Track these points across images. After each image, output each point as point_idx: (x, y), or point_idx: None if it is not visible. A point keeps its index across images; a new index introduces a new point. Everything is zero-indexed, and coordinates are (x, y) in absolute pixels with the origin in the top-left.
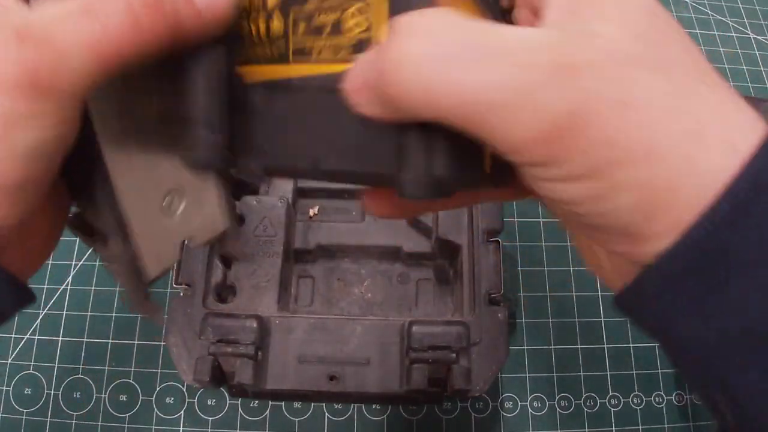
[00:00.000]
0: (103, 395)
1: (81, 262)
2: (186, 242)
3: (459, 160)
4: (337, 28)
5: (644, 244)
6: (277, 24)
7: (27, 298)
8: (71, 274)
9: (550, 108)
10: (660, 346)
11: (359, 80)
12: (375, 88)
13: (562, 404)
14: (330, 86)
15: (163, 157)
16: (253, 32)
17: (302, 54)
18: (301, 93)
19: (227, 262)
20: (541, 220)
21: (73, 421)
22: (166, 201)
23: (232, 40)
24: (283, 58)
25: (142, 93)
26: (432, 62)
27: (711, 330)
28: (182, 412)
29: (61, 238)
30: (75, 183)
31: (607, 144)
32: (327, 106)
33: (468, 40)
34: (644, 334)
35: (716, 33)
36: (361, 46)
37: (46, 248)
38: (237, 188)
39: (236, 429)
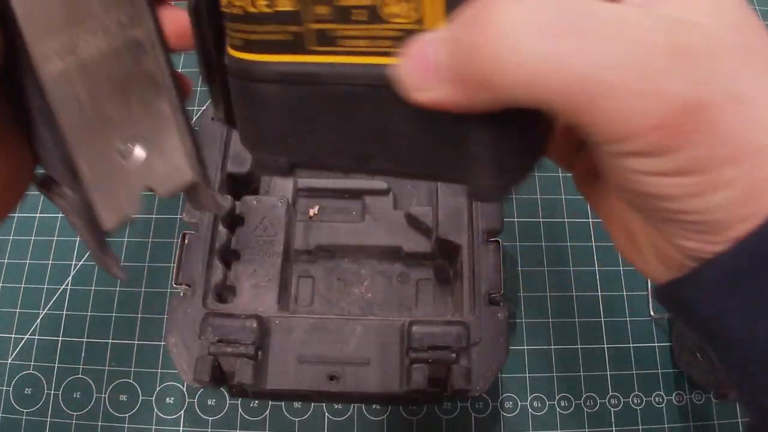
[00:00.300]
0: (103, 395)
1: (81, 262)
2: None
3: (530, 156)
4: (374, 14)
5: (719, 241)
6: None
7: None
8: (71, 274)
9: (672, 93)
10: (707, 342)
11: (427, 60)
12: (458, 66)
13: (562, 404)
14: (373, 81)
15: (117, 100)
16: (247, 7)
17: (325, 41)
18: (332, 86)
19: (227, 262)
20: (541, 220)
21: (73, 421)
22: (123, 147)
23: (213, 15)
24: (298, 44)
25: (84, 29)
26: (537, 34)
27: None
28: (182, 412)
29: (61, 238)
30: (25, 125)
31: (722, 139)
32: (370, 101)
33: (573, 10)
34: (691, 329)
35: None
36: (407, 39)
37: (5, 197)
38: (236, 187)
39: (236, 429)
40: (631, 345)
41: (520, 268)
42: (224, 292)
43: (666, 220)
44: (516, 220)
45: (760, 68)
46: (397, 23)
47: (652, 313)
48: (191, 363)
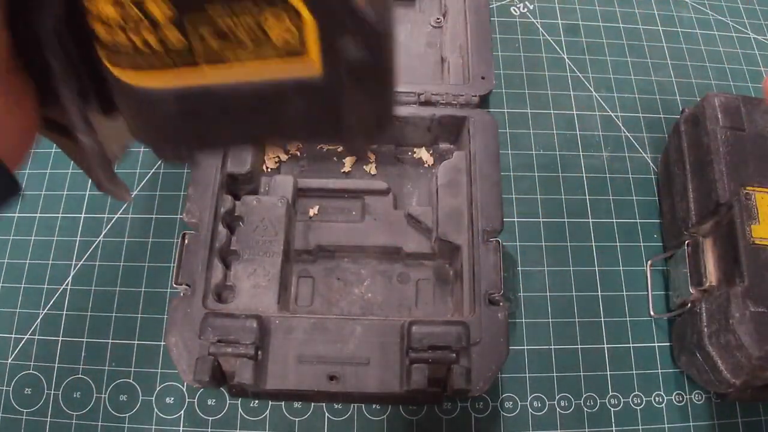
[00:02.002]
0: (103, 395)
1: (81, 262)
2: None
3: (387, 119)
4: (255, 33)
5: None
6: (173, 36)
7: (13, 186)
8: (71, 274)
9: None
10: None
11: None
12: None
13: (562, 404)
14: (262, 83)
15: None
16: (139, 45)
17: (217, 60)
18: (228, 92)
19: (227, 262)
20: (541, 220)
21: (73, 421)
22: None
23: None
24: (192, 65)
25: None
26: None
27: None
28: (182, 412)
29: (61, 238)
30: (42, 81)
31: None
32: (263, 95)
33: None
34: None
35: (716, 33)
36: (289, 51)
37: (22, 143)
38: (236, 187)
39: (236, 429)
40: (631, 345)
41: (520, 268)
42: (224, 292)
43: None
44: (516, 220)
45: None
46: (277, 42)
47: (652, 313)
48: (191, 363)
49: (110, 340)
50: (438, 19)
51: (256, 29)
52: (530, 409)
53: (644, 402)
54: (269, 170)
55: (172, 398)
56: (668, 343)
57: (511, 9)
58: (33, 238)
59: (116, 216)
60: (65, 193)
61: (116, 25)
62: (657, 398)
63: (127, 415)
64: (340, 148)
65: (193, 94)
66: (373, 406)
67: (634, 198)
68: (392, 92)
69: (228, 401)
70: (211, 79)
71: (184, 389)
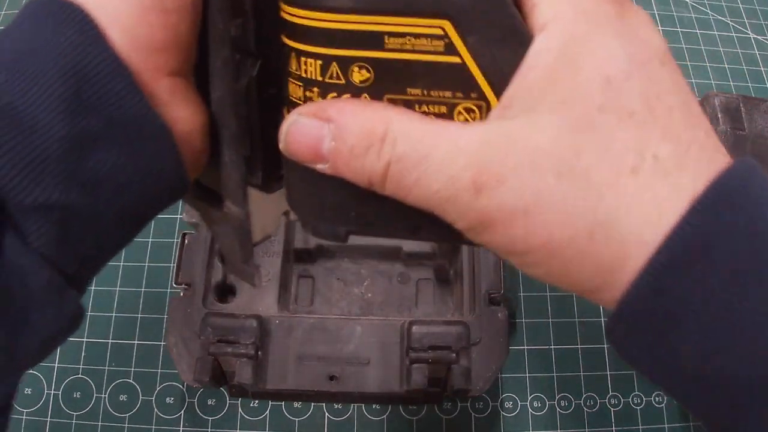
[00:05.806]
0: (103, 395)
1: None
2: (287, 216)
3: None
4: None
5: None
6: None
7: (185, 183)
8: None
9: (465, 214)
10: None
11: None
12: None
13: (562, 404)
14: None
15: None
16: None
17: None
18: None
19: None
20: None
21: (73, 421)
22: None
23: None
24: None
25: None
26: (397, 170)
27: (664, 373)
28: (182, 412)
29: None
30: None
31: (510, 241)
32: None
33: (417, 150)
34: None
35: (716, 33)
36: None
37: (198, 158)
38: None
39: (236, 429)
40: None
41: None
42: (224, 292)
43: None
44: None
45: (568, 178)
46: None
47: None
48: (191, 363)
49: (110, 340)
50: None
51: (446, 115)
52: (530, 409)
53: (644, 402)
54: None
55: (172, 398)
56: None
57: None
58: None
59: None
60: None
61: (316, 86)
62: (657, 398)
63: (127, 415)
64: None
65: None
66: (373, 406)
67: None
68: None
69: (228, 401)
70: None
71: (184, 389)
